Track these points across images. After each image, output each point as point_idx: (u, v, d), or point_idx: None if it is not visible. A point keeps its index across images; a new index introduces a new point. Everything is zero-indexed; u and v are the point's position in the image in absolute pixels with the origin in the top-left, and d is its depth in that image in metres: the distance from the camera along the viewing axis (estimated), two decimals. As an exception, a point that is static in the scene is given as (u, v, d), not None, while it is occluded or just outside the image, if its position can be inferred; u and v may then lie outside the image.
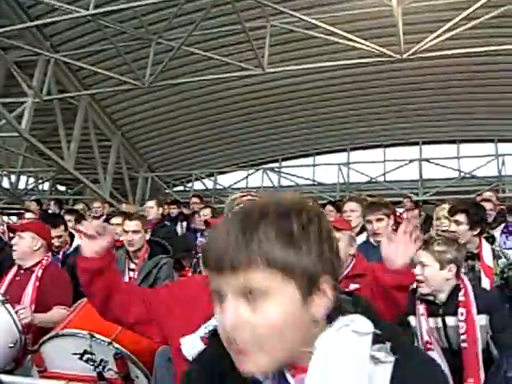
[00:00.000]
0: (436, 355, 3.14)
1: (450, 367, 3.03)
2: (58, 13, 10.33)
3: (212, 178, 16.73)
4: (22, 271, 4.23)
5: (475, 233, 4.29)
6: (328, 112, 14.66)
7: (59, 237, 5.64)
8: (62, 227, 5.78)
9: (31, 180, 16.86)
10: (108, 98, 13.54)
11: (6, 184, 15.59)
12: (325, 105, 14.30)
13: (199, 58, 11.75)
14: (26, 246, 4.24)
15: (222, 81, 11.96)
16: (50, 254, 4.50)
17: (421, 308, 3.35)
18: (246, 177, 16.48)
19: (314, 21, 9.76)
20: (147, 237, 5.14)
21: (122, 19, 10.79)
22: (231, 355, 1.09)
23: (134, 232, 4.91)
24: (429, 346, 3.23)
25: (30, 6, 10.87)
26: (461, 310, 3.25)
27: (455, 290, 3.33)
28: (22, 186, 16.44)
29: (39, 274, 4.11)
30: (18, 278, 4.18)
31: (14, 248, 4.27)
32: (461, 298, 3.30)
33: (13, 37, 10.71)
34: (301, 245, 1.07)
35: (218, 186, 16.54)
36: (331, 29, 9.69)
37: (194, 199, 9.86)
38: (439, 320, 3.31)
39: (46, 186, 16.79)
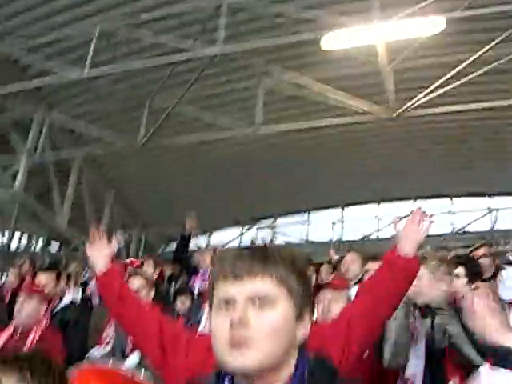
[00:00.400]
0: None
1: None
2: (53, 74, 10.50)
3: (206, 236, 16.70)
4: (18, 333, 4.12)
5: (473, 286, 4.32)
6: (321, 169, 14.75)
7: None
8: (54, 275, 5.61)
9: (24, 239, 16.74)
10: (102, 157, 13.62)
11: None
12: (318, 162, 14.41)
13: (191, 119, 11.89)
14: (33, 310, 4.17)
15: (215, 139, 12.06)
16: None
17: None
18: (241, 234, 16.45)
19: (303, 81, 9.91)
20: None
21: (115, 80, 10.97)
22: (222, 357, 1.29)
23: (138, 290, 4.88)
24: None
25: (26, 66, 11.07)
26: None
27: None
28: (14, 245, 16.30)
29: (36, 337, 4.01)
30: (14, 339, 4.06)
31: (19, 310, 4.17)
32: None
33: (9, 97, 10.85)
34: (299, 277, 1.37)
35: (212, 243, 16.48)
36: (320, 88, 9.82)
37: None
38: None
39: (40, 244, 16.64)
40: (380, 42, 8.57)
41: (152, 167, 14.20)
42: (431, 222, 2.54)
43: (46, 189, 13.35)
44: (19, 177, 10.91)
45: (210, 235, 16.63)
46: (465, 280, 4.31)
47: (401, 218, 2.65)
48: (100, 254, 2.76)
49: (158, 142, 11.07)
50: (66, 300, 5.64)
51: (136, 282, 4.91)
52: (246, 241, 15.89)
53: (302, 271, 1.41)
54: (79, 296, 6.31)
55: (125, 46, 10.56)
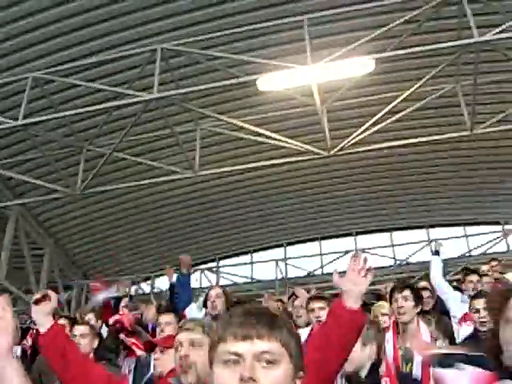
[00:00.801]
0: None
1: None
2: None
3: (149, 282, 16.45)
4: None
5: (417, 311, 4.44)
6: (263, 208, 14.89)
7: None
8: None
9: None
10: (39, 206, 13.36)
11: None
12: (260, 202, 14.55)
13: (130, 164, 11.84)
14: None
15: (155, 183, 11.98)
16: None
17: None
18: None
19: (240, 123, 10.02)
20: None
21: (51, 127, 10.86)
22: None
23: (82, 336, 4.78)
24: None
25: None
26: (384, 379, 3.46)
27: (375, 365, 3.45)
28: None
29: None
30: None
31: None
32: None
33: None
34: (297, 340, 1.52)
35: (156, 290, 16.23)
36: (257, 130, 9.94)
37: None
38: None
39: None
40: (314, 82, 8.77)
41: (91, 214, 14.02)
42: (374, 260, 2.59)
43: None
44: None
45: (153, 282, 16.36)
46: (412, 303, 4.40)
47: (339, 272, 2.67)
48: (42, 312, 2.78)
49: (96, 189, 10.91)
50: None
51: (79, 329, 4.83)
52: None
53: (298, 336, 1.55)
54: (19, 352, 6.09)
55: (59, 92, 10.51)
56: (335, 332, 2.42)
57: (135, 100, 9.21)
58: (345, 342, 2.46)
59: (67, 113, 9.72)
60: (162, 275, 16.44)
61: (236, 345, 1.44)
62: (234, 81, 8.97)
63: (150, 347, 3.91)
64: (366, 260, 2.57)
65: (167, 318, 4.94)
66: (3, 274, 11.90)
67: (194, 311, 6.43)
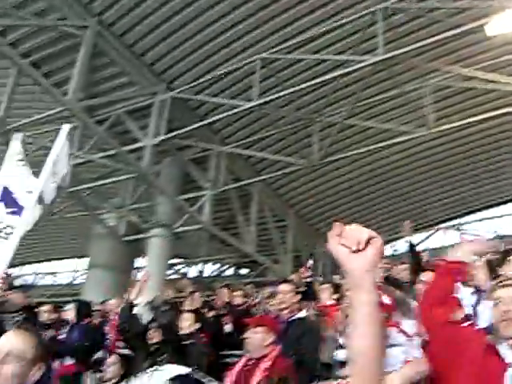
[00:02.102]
0: None
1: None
2: (223, 108, 11.01)
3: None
4: (251, 361, 4.27)
5: None
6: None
7: None
8: None
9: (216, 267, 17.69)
10: (279, 181, 13.97)
11: (193, 273, 16.50)
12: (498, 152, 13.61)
13: (359, 129, 11.83)
14: (259, 340, 4.26)
15: (386, 146, 11.78)
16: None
17: None
18: (426, 238, 16.00)
19: (470, 73, 9.44)
20: None
21: (282, 104, 11.21)
22: None
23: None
24: None
25: (197, 106, 11.73)
26: None
27: None
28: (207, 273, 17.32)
29: (267, 366, 4.13)
30: (246, 368, 4.24)
31: (248, 341, 4.32)
32: None
33: (185, 137, 11.53)
34: None
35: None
36: (487, 77, 9.28)
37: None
38: None
39: (230, 271, 17.53)
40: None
41: (327, 183, 14.31)
42: None
43: (231, 217, 13.99)
44: (205, 210, 11.52)
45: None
46: None
47: None
48: None
49: (331, 158, 11.10)
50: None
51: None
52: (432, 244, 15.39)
53: None
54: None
55: (285, 69, 10.79)
56: None
57: (362, 65, 9.12)
58: None
59: (297, 88, 9.96)
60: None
61: None
62: (459, 30, 8.46)
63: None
64: None
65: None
66: (253, 247, 12.73)
67: None
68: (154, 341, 5.51)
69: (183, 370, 4.49)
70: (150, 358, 5.06)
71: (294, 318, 4.90)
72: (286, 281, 5.61)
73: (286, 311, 4.94)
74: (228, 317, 6.82)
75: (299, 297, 5.15)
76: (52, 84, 10.28)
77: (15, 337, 2.06)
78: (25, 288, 9.31)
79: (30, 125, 10.41)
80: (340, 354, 3.56)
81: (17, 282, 12.41)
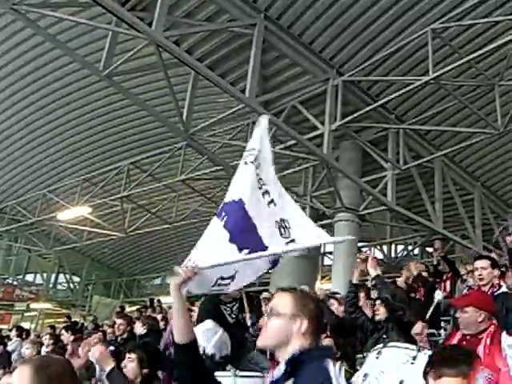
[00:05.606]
0: None
1: None
2: (396, 86, 10.89)
3: None
4: (467, 337, 4.16)
5: None
6: None
7: None
8: None
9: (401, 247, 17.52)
10: (460, 153, 13.50)
11: (379, 255, 16.48)
12: None
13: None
14: (471, 319, 4.13)
15: None
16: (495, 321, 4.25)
17: None
18: None
19: None
20: None
21: (456, 74, 10.79)
22: None
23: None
24: None
25: (369, 87, 11.69)
26: None
27: None
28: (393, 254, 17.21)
29: (487, 342, 4.00)
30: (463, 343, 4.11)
31: (460, 320, 4.20)
32: None
33: (361, 119, 11.55)
34: None
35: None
36: None
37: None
38: None
39: (416, 250, 17.28)
40: None
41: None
42: None
43: (413, 196, 13.81)
44: (389, 190, 11.46)
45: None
46: None
47: None
48: None
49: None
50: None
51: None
52: None
53: None
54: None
55: (458, 36, 10.37)
56: None
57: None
58: None
59: (472, 55, 9.54)
60: None
61: None
62: None
63: None
64: None
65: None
66: (440, 224, 12.46)
67: None
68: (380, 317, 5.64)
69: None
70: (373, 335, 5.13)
71: (497, 292, 4.81)
72: (481, 256, 5.51)
73: (486, 287, 4.85)
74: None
75: (497, 272, 5.03)
76: (229, 83, 10.78)
77: None
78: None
79: (211, 124, 11.16)
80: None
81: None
